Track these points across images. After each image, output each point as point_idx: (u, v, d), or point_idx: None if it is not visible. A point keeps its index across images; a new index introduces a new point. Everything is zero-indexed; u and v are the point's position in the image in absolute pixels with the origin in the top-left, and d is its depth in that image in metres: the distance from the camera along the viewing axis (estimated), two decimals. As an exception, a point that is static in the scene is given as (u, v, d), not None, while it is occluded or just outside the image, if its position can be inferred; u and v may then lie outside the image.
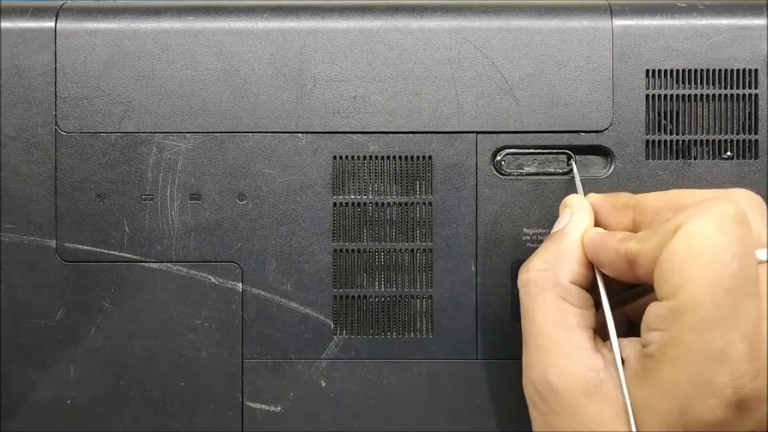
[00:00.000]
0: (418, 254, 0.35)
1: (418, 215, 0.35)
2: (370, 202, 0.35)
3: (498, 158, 0.35)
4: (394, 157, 0.35)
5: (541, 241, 0.35)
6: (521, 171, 0.35)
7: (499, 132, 0.35)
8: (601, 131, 0.35)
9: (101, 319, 0.35)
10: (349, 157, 0.35)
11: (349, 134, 0.35)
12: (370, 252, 0.35)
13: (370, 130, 0.35)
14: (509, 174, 0.35)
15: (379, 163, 0.35)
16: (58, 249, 0.35)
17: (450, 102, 0.35)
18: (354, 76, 0.35)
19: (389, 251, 0.35)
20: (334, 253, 0.35)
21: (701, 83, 0.35)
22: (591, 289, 0.31)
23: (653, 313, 0.27)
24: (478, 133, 0.35)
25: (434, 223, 0.35)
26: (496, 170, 0.35)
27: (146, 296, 0.35)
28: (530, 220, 0.35)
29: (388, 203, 0.35)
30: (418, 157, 0.35)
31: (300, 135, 0.35)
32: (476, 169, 0.35)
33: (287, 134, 0.35)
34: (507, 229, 0.35)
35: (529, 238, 0.35)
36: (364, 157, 0.35)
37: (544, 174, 0.35)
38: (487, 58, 0.35)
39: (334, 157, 0.35)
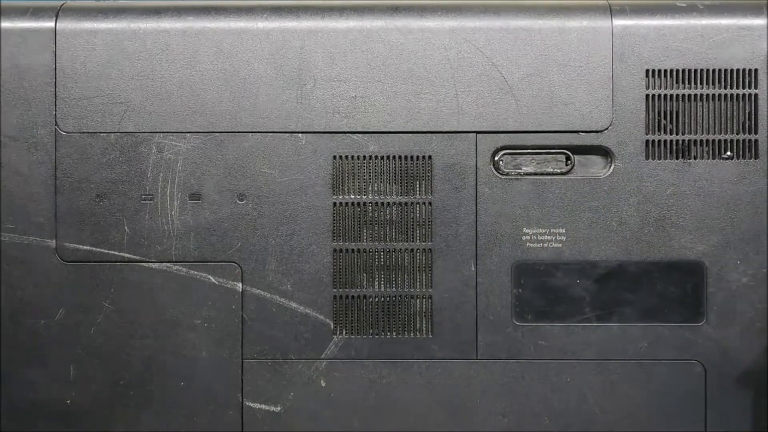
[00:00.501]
0: (418, 254, 0.35)
1: (417, 215, 0.35)
2: (370, 202, 0.35)
3: (496, 158, 0.35)
4: (393, 157, 0.35)
5: (540, 241, 0.35)
6: (519, 171, 0.35)
7: (499, 132, 0.35)
8: (601, 131, 0.35)
9: (101, 319, 0.35)
10: (349, 157, 0.35)
11: (349, 134, 0.35)
12: (369, 252, 0.35)
13: (370, 130, 0.35)
14: (508, 174, 0.35)
15: (378, 162, 0.35)
16: (58, 249, 0.35)
17: (450, 102, 0.35)
18: (354, 76, 0.35)
19: (389, 251, 0.35)
20: (334, 253, 0.35)
21: (701, 83, 0.35)
22: None
23: None
24: (477, 132, 0.35)
25: (434, 223, 0.35)
26: (496, 170, 0.35)
27: (146, 296, 0.35)
28: (530, 220, 0.35)
29: (388, 203, 0.35)
30: (417, 157, 0.35)
31: (300, 135, 0.35)
32: (476, 168, 0.35)
33: (287, 134, 0.35)
34: (507, 229, 0.35)
35: (529, 238, 0.35)
36: (364, 157, 0.35)
37: (542, 174, 0.35)
38: (486, 58, 0.35)
39: (334, 157, 0.35)
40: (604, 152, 0.35)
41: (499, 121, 0.35)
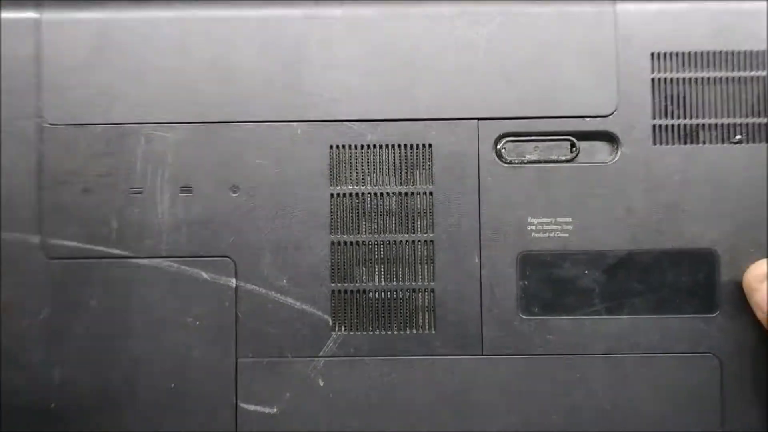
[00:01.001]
0: (419, 246, 0.34)
1: (418, 205, 0.34)
2: (369, 193, 0.34)
3: (498, 146, 0.34)
4: (392, 145, 0.34)
5: (546, 231, 0.34)
6: (523, 158, 0.34)
7: (501, 118, 0.34)
8: (606, 116, 0.34)
9: (88, 318, 0.34)
10: (346, 146, 0.34)
11: (346, 123, 0.34)
12: (369, 244, 0.34)
13: (368, 118, 0.34)
14: (511, 162, 0.34)
15: (377, 152, 0.34)
16: (43, 245, 0.34)
17: (450, 88, 0.34)
18: (350, 63, 0.34)
19: (389, 243, 0.34)
20: (332, 246, 0.34)
21: (708, 66, 0.34)
22: None
23: None
24: (479, 119, 0.34)
25: (435, 213, 0.34)
26: (499, 158, 0.34)
27: (135, 294, 0.34)
28: (535, 209, 0.34)
29: (387, 193, 0.34)
30: (417, 145, 0.34)
31: (295, 124, 0.34)
32: (478, 157, 0.34)
33: (282, 123, 0.34)
34: (511, 219, 0.34)
35: (534, 227, 0.34)
36: (362, 146, 0.34)
37: (546, 161, 0.34)
38: (488, 43, 0.34)
39: (331, 147, 0.34)
40: (609, 138, 0.34)
41: (501, 107, 0.34)
